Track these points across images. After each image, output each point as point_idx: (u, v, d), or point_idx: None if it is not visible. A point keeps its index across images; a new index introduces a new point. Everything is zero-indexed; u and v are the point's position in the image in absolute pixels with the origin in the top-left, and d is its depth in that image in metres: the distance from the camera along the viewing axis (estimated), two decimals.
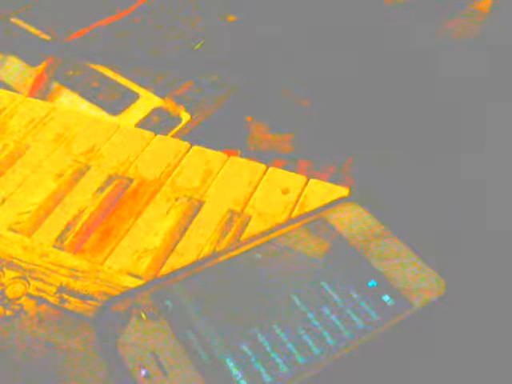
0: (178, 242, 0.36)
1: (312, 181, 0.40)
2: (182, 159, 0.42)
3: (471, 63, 0.55)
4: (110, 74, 0.56)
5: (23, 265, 0.35)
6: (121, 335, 0.29)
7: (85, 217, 0.37)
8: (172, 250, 0.36)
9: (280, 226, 0.35)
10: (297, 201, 0.39)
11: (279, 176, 0.41)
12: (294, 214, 0.38)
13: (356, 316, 0.30)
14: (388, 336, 0.30)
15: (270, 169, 0.41)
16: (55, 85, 0.55)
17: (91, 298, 0.33)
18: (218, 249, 0.35)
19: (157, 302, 0.31)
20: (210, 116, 0.52)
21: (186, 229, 0.37)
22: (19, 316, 0.32)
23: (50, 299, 0.33)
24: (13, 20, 0.62)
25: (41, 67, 0.56)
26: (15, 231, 0.37)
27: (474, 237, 0.39)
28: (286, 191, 0.39)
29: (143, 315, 0.30)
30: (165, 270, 0.35)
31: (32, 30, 0.61)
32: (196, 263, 0.33)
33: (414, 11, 0.61)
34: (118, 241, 0.36)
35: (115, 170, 0.41)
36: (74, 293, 0.33)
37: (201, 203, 0.39)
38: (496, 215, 0.41)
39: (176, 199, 0.39)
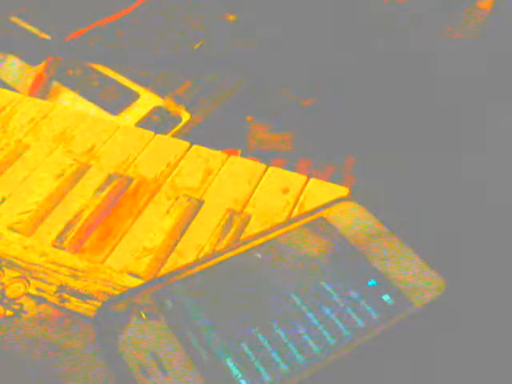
0: (177, 241, 0.36)
1: (312, 180, 0.40)
2: (181, 159, 0.42)
3: (471, 63, 0.55)
4: (110, 73, 0.56)
5: (23, 264, 0.35)
6: (121, 335, 0.29)
7: (85, 216, 0.37)
8: (172, 250, 0.36)
9: (280, 225, 0.35)
10: (297, 200, 0.39)
11: (279, 175, 0.40)
12: (293, 214, 0.38)
13: (356, 315, 0.30)
14: (388, 336, 0.30)
15: (270, 168, 0.41)
16: (55, 84, 0.55)
17: (91, 298, 0.33)
18: (217, 248, 0.35)
19: (157, 302, 0.31)
20: (209, 116, 0.52)
21: (185, 228, 0.37)
22: (19, 315, 0.32)
23: (50, 299, 0.33)
24: (13, 20, 0.62)
25: (41, 67, 0.56)
26: (15, 231, 0.37)
27: (474, 237, 0.39)
28: (285, 191, 0.39)
29: (143, 315, 0.30)
30: (165, 269, 0.35)
31: (32, 29, 0.61)
32: (196, 263, 0.33)
33: (414, 11, 0.61)
34: (117, 240, 0.36)
35: (115, 170, 0.41)
36: (74, 292, 0.33)
37: (201, 203, 0.39)
38: (496, 215, 0.41)
39: (176, 199, 0.39)
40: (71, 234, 0.36)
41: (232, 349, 0.29)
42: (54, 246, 0.36)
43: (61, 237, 0.36)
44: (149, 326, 0.30)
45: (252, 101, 0.54)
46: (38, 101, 0.47)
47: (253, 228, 0.37)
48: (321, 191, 0.39)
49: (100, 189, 0.39)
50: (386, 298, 0.31)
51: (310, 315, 0.30)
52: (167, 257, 0.35)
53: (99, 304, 0.32)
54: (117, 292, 0.33)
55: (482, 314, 0.33)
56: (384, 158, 0.48)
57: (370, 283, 0.32)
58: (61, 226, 0.37)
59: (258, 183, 0.40)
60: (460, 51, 0.57)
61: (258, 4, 0.63)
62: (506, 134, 0.49)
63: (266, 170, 0.41)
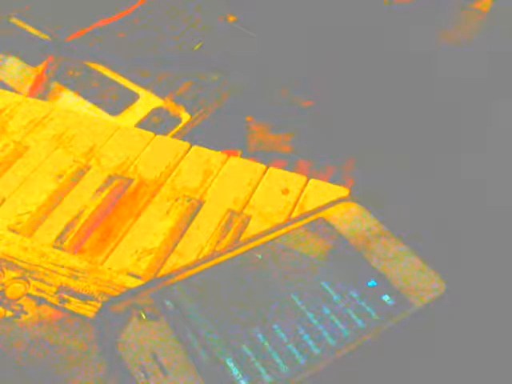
0: (177, 242, 0.36)
1: (312, 181, 0.40)
2: (181, 159, 0.42)
3: (471, 63, 0.55)
4: (109, 74, 0.56)
5: (23, 265, 0.35)
6: (121, 335, 0.29)
7: (85, 217, 0.37)
8: (172, 251, 0.36)
9: (280, 226, 0.35)
10: (297, 201, 0.39)
11: (279, 176, 0.41)
12: (293, 214, 0.38)
13: (356, 316, 0.30)
14: (388, 336, 0.30)
15: (270, 169, 0.41)
16: (55, 85, 0.55)
17: (91, 298, 0.33)
18: (217, 249, 0.35)
19: (157, 302, 0.31)
20: (209, 116, 0.52)
21: (185, 229, 0.37)
22: (19, 316, 0.32)
23: (50, 299, 0.33)
24: (13, 20, 0.62)
25: (41, 67, 0.56)
26: (15, 231, 0.37)
27: (474, 237, 0.39)
28: (285, 191, 0.39)
29: (143, 315, 0.30)
30: (165, 270, 0.35)
31: (32, 30, 0.61)
32: (196, 263, 0.33)
33: (414, 11, 0.61)
34: (117, 241, 0.36)
35: (115, 170, 0.41)
36: (74, 293, 0.33)
37: (200, 203, 0.39)
38: (496, 215, 0.41)
39: (176, 199, 0.39)
40: (71, 235, 0.36)
41: (232, 349, 0.29)
42: (54, 247, 0.36)
43: (61, 237, 0.36)
44: (149, 326, 0.30)
45: (252, 101, 0.54)
46: (38, 102, 0.47)
47: (253, 229, 0.37)
48: (321, 192, 0.39)
49: (100, 189, 0.39)
50: (385, 298, 0.31)
51: (310, 315, 0.30)
52: (167, 257, 0.35)
53: (99, 305, 0.32)
54: (117, 293, 0.33)
55: (482, 314, 0.33)
56: (384, 159, 0.48)
57: (369, 283, 0.32)
58: (61, 227, 0.37)
59: (258, 184, 0.40)
60: (460, 51, 0.57)
61: (258, 4, 0.63)
62: (506, 134, 0.49)
63: (265, 170, 0.41)
